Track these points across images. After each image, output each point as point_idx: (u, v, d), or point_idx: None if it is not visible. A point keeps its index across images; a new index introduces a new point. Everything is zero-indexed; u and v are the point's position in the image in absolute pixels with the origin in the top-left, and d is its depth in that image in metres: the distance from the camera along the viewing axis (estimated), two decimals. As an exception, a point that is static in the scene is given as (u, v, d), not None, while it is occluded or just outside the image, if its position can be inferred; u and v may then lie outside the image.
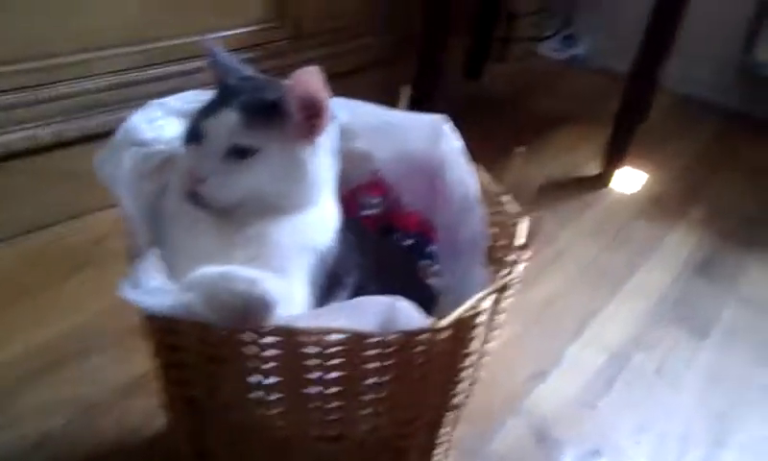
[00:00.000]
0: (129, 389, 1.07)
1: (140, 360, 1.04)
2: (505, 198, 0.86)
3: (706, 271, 1.58)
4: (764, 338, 1.40)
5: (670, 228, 1.73)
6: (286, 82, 0.73)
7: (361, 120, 0.89)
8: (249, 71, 0.81)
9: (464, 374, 0.74)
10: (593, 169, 1.92)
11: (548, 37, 2.57)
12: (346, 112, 0.88)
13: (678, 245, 1.66)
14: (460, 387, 0.76)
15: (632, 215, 1.76)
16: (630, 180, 1.92)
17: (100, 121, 1.33)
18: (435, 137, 0.89)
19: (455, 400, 0.78)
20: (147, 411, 1.02)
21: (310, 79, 0.69)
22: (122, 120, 1.34)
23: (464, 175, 0.87)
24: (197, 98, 0.85)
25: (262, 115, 0.71)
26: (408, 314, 0.63)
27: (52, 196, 1.33)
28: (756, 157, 2.20)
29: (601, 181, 1.88)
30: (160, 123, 0.83)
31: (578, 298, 1.43)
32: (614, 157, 1.87)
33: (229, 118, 0.70)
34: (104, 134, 1.33)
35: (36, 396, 1.04)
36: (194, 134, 0.72)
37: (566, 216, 1.70)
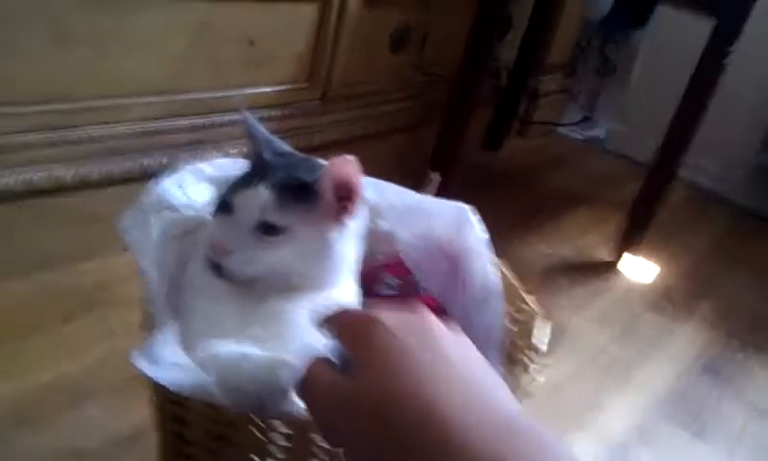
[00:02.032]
0: (124, 442, 1.04)
1: (137, 413, 1.03)
2: (528, 297, 0.86)
3: (712, 371, 1.57)
4: (765, 445, 1.38)
5: (679, 323, 1.72)
6: (322, 162, 0.73)
7: (387, 201, 0.89)
8: (285, 147, 0.81)
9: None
10: (605, 254, 1.92)
11: (570, 124, 2.60)
12: (373, 192, 0.88)
13: (686, 342, 1.66)
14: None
15: (642, 307, 1.76)
16: (641, 269, 1.92)
17: (123, 167, 1.34)
18: (459, 226, 0.89)
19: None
20: (139, 468, 1.00)
21: (347, 166, 0.70)
22: (146, 168, 1.38)
23: (486, 267, 0.87)
24: (230, 166, 0.85)
25: (295, 195, 0.71)
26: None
27: (67, 236, 1.33)
28: (767, 259, 2.20)
29: (613, 268, 1.88)
30: (191, 188, 0.83)
31: (584, 387, 1.41)
32: (628, 245, 1.88)
33: (262, 194, 0.70)
34: (126, 180, 1.36)
35: (28, 442, 1.01)
36: (224, 206, 0.72)
37: (578, 301, 1.69)
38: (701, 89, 1.72)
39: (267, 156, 0.76)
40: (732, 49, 1.64)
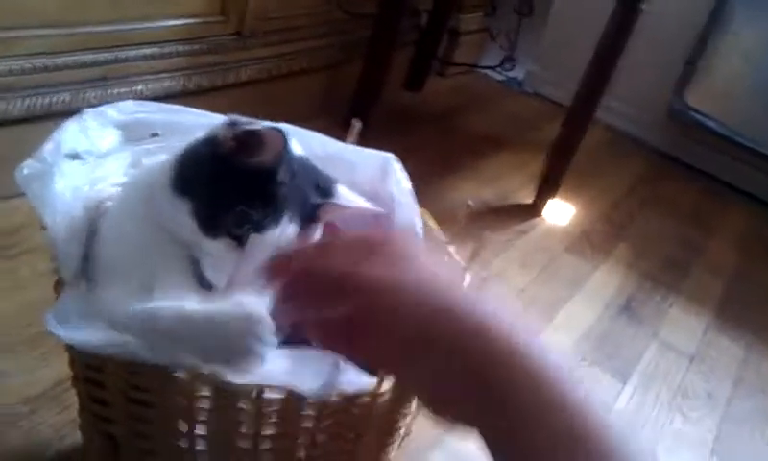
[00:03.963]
0: (38, 400, 0.98)
1: (52, 369, 0.99)
2: (451, 248, 0.85)
3: (628, 311, 1.62)
4: (680, 384, 1.44)
5: (596, 265, 1.76)
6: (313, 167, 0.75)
7: (309, 149, 0.85)
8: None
9: (400, 432, 0.72)
10: (525, 197, 1.94)
11: (491, 68, 2.58)
12: (295, 140, 0.84)
13: (603, 283, 1.70)
14: (394, 444, 0.73)
15: (560, 249, 1.78)
16: (560, 212, 1.94)
17: (22, 105, 1.24)
18: (383, 175, 0.86)
19: (388, 454, 0.75)
20: (58, 425, 0.95)
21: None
22: (47, 106, 1.28)
23: (411, 218, 0.85)
24: (137, 109, 0.80)
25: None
26: (350, 376, 0.60)
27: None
28: (681, 201, 2.27)
29: (533, 210, 1.90)
30: (95, 133, 0.76)
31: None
32: (548, 187, 1.89)
33: (288, 233, 0.68)
34: (27, 119, 1.26)
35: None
36: (228, 232, 0.66)
37: (499, 244, 1.70)
38: (618, 32, 1.72)
39: (282, 176, 0.68)
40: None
